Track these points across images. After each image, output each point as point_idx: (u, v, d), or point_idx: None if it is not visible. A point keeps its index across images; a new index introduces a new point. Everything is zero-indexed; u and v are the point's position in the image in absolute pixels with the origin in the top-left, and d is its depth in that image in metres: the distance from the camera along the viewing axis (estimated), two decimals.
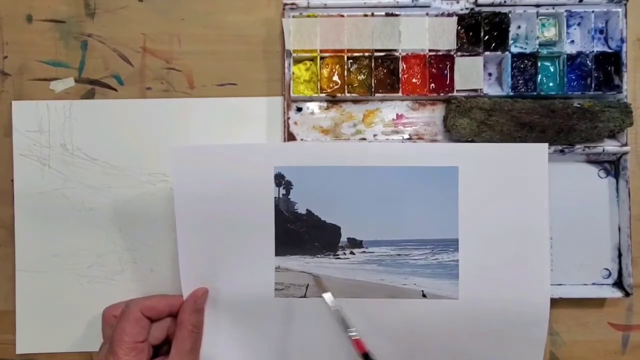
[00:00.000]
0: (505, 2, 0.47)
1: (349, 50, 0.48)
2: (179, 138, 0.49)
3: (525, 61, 0.48)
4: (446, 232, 0.45)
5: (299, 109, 0.49)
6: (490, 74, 0.49)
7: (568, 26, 0.48)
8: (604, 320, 0.49)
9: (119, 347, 0.41)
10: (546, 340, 0.44)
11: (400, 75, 0.48)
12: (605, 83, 0.47)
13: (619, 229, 0.48)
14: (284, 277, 0.45)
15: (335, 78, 0.48)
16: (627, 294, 0.47)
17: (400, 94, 0.48)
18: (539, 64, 0.47)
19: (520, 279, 0.44)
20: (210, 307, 0.45)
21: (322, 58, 0.48)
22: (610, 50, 0.48)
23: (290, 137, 0.48)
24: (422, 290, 0.45)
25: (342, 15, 0.48)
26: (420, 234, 0.45)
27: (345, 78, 0.48)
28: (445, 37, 0.48)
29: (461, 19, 0.48)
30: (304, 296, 0.45)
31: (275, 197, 0.45)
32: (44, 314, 0.49)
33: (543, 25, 0.48)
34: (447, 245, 0.45)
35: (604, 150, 0.47)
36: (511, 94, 0.47)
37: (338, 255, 0.45)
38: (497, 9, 0.48)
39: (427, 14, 0.48)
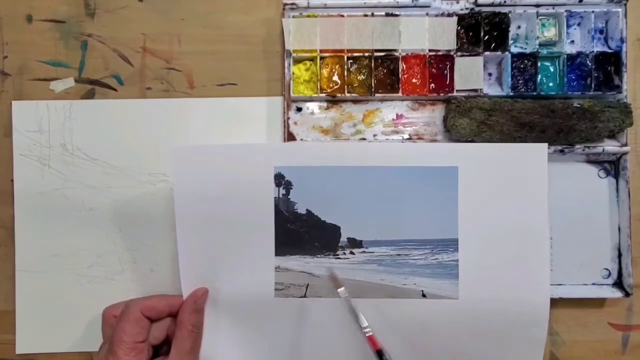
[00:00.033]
0: (505, 2, 0.47)
1: (349, 50, 0.48)
2: (179, 138, 0.49)
3: (525, 61, 0.48)
4: (446, 232, 0.45)
5: (299, 109, 0.49)
6: (490, 74, 0.49)
7: (568, 26, 0.48)
8: (604, 320, 0.49)
9: (119, 347, 0.41)
10: (546, 340, 0.44)
11: (400, 75, 0.48)
12: (605, 83, 0.47)
13: (619, 229, 0.48)
14: (284, 277, 0.45)
15: (335, 78, 0.48)
16: (627, 294, 0.47)
17: (400, 94, 0.48)
18: (539, 64, 0.47)
19: (520, 279, 0.44)
20: (210, 307, 0.45)
21: (322, 58, 0.48)
22: (610, 50, 0.48)
23: (290, 137, 0.49)
24: (422, 290, 0.45)
25: (342, 15, 0.48)
26: (420, 234, 0.45)
27: (345, 78, 0.48)
28: (445, 37, 0.48)
29: (461, 19, 0.48)
30: (304, 296, 0.45)
31: (275, 197, 0.45)
32: (44, 314, 0.49)
33: (543, 25, 0.48)
34: (447, 245, 0.45)
35: (603, 150, 0.47)
36: (511, 94, 0.47)
37: (338, 255, 0.45)
38: (497, 9, 0.48)
39: (427, 14, 0.48)
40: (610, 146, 0.47)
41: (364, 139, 0.49)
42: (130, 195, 0.49)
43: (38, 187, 0.49)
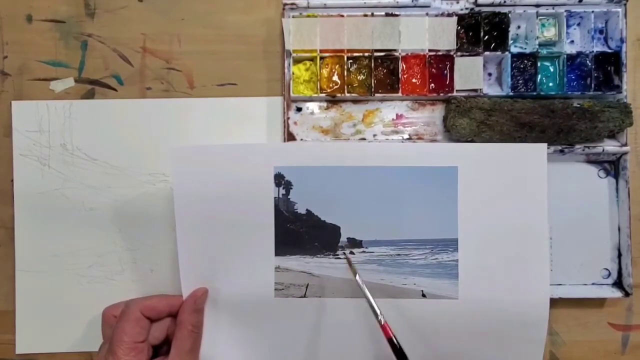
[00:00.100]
0: (505, 2, 0.47)
1: (348, 50, 0.48)
2: (179, 138, 0.49)
3: (525, 61, 0.48)
4: (446, 232, 0.45)
5: (299, 109, 0.49)
6: (490, 74, 0.49)
7: (568, 26, 0.48)
8: (603, 320, 0.49)
9: (119, 347, 0.41)
10: (546, 340, 0.44)
11: (400, 75, 0.48)
12: (605, 83, 0.47)
13: (619, 229, 0.48)
14: (283, 277, 0.45)
15: (335, 78, 0.49)
16: (627, 294, 0.47)
17: (400, 94, 0.48)
18: (539, 64, 0.47)
19: (520, 279, 0.44)
20: (210, 307, 0.45)
21: (322, 58, 0.48)
22: (610, 50, 0.48)
23: (290, 137, 0.49)
24: (422, 290, 0.45)
25: (342, 15, 0.48)
26: (420, 234, 0.45)
27: (345, 78, 0.48)
28: (445, 37, 0.48)
29: (461, 19, 0.48)
30: (304, 296, 0.45)
31: (275, 197, 0.45)
32: (44, 314, 0.49)
33: (543, 25, 0.48)
34: (446, 245, 0.45)
35: (603, 150, 0.47)
36: (511, 94, 0.47)
37: (338, 255, 0.45)
38: (497, 9, 0.48)
39: (427, 14, 0.48)
40: (610, 146, 0.47)
41: (364, 139, 0.49)
42: (130, 195, 0.49)
43: (38, 187, 0.49)
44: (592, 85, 0.47)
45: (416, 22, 0.48)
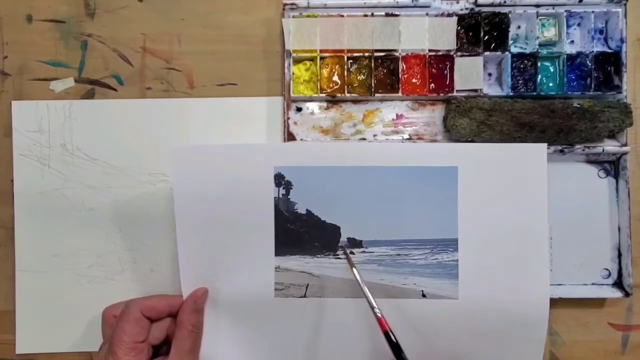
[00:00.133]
0: (505, 2, 0.47)
1: (348, 50, 0.48)
2: (179, 138, 0.49)
3: (525, 61, 0.48)
4: (446, 232, 0.45)
5: (299, 109, 0.49)
6: (490, 74, 0.49)
7: (568, 26, 0.48)
8: (604, 320, 0.49)
9: (119, 347, 0.41)
10: (546, 340, 0.44)
11: (400, 75, 0.48)
12: (605, 83, 0.47)
13: (619, 229, 0.48)
14: (283, 277, 0.45)
15: (335, 78, 0.49)
16: (627, 294, 0.47)
17: (400, 94, 0.48)
18: (539, 64, 0.47)
19: (520, 279, 0.44)
20: (210, 307, 0.45)
21: (322, 58, 0.48)
22: (610, 51, 0.48)
23: (290, 137, 0.49)
24: (422, 290, 0.45)
25: (342, 15, 0.48)
26: (420, 234, 0.45)
27: (345, 78, 0.48)
28: (445, 37, 0.48)
29: (461, 19, 0.48)
30: (304, 296, 0.45)
31: (275, 197, 0.45)
32: (44, 314, 0.49)
33: (543, 25, 0.48)
34: (446, 245, 0.45)
35: (603, 150, 0.47)
36: (511, 94, 0.47)
37: (338, 255, 0.45)
38: (497, 9, 0.48)
39: (427, 14, 0.48)
40: (610, 146, 0.47)
41: (364, 139, 0.49)
42: (130, 195, 0.49)
43: (38, 187, 0.49)
44: (592, 85, 0.47)
45: (416, 22, 0.48)
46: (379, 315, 0.42)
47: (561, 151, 0.47)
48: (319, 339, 0.45)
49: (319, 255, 0.45)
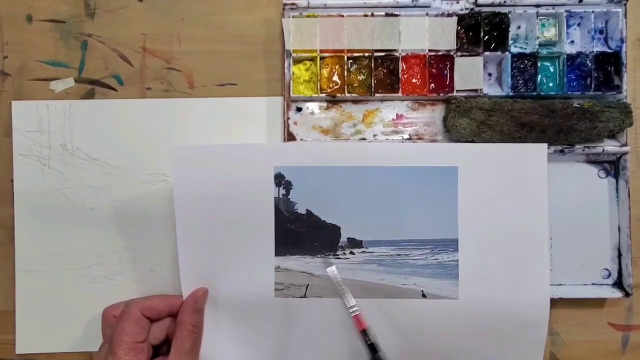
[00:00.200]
0: (505, 2, 0.47)
1: (348, 50, 0.48)
2: (179, 138, 0.49)
3: (525, 61, 0.48)
4: (446, 232, 0.45)
5: (299, 109, 0.49)
6: (490, 74, 0.49)
7: (568, 26, 0.48)
8: (604, 320, 0.49)
9: (119, 347, 0.41)
10: (546, 340, 0.44)
11: (400, 75, 0.48)
12: (605, 83, 0.47)
13: (619, 229, 0.48)
14: (284, 277, 0.45)
15: (335, 78, 0.48)
16: (627, 294, 0.47)
17: (400, 94, 0.48)
18: (539, 64, 0.47)
19: (520, 279, 0.44)
20: (210, 307, 0.45)
21: (322, 58, 0.48)
22: (610, 51, 0.48)
23: (290, 137, 0.49)
24: (422, 290, 0.45)
25: (342, 15, 0.48)
26: (420, 234, 0.45)
27: (345, 78, 0.48)
28: (445, 37, 0.48)
29: (461, 19, 0.48)
30: (304, 296, 0.45)
31: (275, 197, 0.45)
32: (44, 314, 0.49)
33: (543, 25, 0.48)
34: (447, 245, 0.45)
35: (603, 150, 0.47)
36: (511, 94, 0.47)
37: (338, 255, 0.45)
38: (497, 9, 0.48)
39: (427, 14, 0.48)
40: (610, 146, 0.47)
41: (364, 139, 0.49)
42: (130, 195, 0.49)
43: (38, 187, 0.49)
44: (592, 85, 0.47)
45: (416, 22, 0.48)
46: (356, 312, 0.42)
47: (561, 151, 0.47)
48: (318, 340, 0.45)
49: (319, 255, 0.45)
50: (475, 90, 0.48)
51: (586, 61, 0.47)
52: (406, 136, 0.49)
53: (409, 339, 0.45)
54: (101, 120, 0.49)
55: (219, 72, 0.49)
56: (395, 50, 0.48)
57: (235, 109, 0.49)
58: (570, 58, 0.47)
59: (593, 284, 0.48)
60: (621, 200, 0.48)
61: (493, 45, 0.48)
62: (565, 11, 0.47)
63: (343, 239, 0.45)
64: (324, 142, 0.48)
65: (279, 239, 0.45)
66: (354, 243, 0.45)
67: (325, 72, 0.48)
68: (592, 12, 0.47)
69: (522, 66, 0.48)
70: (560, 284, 0.48)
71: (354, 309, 0.43)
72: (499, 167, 0.44)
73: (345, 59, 0.48)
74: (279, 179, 0.45)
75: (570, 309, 0.49)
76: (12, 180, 0.49)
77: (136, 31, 0.50)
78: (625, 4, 0.47)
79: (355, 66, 0.48)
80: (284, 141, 0.48)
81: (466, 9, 0.48)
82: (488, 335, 0.45)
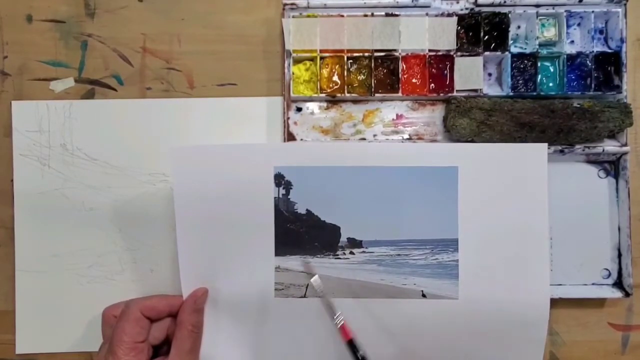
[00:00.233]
0: (505, 2, 0.47)
1: (348, 51, 0.48)
2: (179, 138, 0.49)
3: (525, 61, 0.48)
4: (446, 232, 0.45)
5: (299, 109, 0.49)
6: (490, 74, 0.49)
7: (568, 26, 0.48)
8: (604, 320, 0.49)
9: (119, 347, 0.41)
10: (546, 340, 0.44)
11: (400, 75, 0.48)
12: (605, 83, 0.47)
13: (619, 229, 0.48)
14: (284, 277, 0.45)
15: (335, 78, 0.48)
16: (627, 294, 0.47)
17: (400, 94, 0.48)
18: (539, 64, 0.47)
19: (520, 279, 0.44)
20: (210, 307, 0.45)
21: (322, 58, 0.48)
22: (610, 51, 0.48)
23: (290, 137, 0.49)
24: (422, 290, 0.45)
25: (342, 15, 0.48)
26: (420, 234, 0.45)
27: (345, 78, 0.48)
28: (445, 37, 0.48)
29: (461, 19, 0.48)
30: (304, 296, 0.45)
31: (275, 197, 0.45)
32: (44, 314, 0.49)
33: (543, 25, 0.48)
34: (447, 245, 0.45)
35: (603, 150, 0.47)
36: (511, 94, 0.47)
37: (338, 255, 0.45)
38: (497, 9, 0.48)
39: (427, 14, 0.48)
40: (610, 146, 0.47)
41: (364, 139, 0.49)
42: (130, 195, 0.49)
43: (38, 187, 0.49)
44: (592, 85, 0.47)
45: (416, 22, 0.48)
46: (342, 324, 0.42)
47: (561, 151, 0.47)
48: (318, 339, 0.45)
49: (319, 255, 0.45)
50: (475, 90, 0.48)
51: (586, 61, 0.47)
52: (406, 136, 0.49)
53: (409, 339, 0.45)
54: (101, 120, 0.49)
55: (219, 72, 0.49)
56: (395, 50, 0.48)
57: (235, 109, 0.49)
58: (570, 58, 0.48)
59: (593, 284, 0.48)
60: (621, 200, 0.48)
61: (493, 45, 0.48)
62: (565, 11, 0.47)
63: (343, 239, 0.45)
64: (324, 142, 0.48)
65: (279, 239, 0.45)
66: (354, 243, 0.45)
67: (325, 72, 0.48)
68: (592, 12, 0.47)
69: (522, 66, 0.48)
70: (560, 284, 0.48)
71: (340, 318, 0.43)
72: (499, 167, 0.44)
73: (345, 59, 0.48)
74: (279, 179, 0.45)
75: (570, 309, 0.49)
76: (12, 180, 0.49)
77: (136, 31, 0.50)
78: (625, 4, 0.47)
79: (355, 66, 0.48)
80: (284, 141, 0.48)
81: (466, 9, 0.48)
82: (488, 335, 0.45)
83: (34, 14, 0.50)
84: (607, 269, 0.48)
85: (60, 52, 0.50)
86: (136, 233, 0.49)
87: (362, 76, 0.48)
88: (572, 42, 0.48)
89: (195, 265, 0.45)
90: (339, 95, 0.48)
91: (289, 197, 0.45)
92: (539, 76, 0.48)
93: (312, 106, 0.49)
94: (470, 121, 0.46)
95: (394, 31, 0.48)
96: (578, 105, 0.47)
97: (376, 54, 0.48)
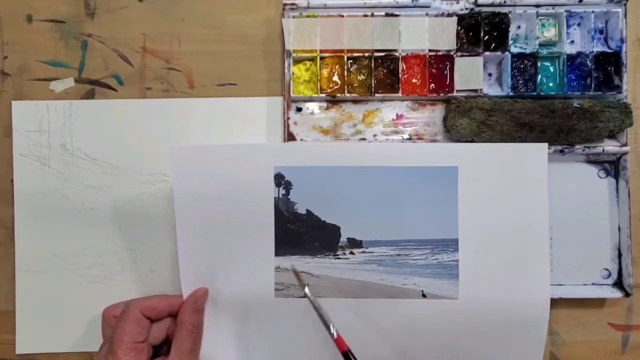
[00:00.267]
0: (505, 2, 0.47)
1: (348, 51, 0.48)
2: (179, 138, 0.49)
3: (525, 61, 0.48)
4: (446, 232, 0.45)
5: (299, 109, 0.49)
6: (490, 74, 0.49)
7: (568, 26, 0.48)
8: (604, 320, 0.49)
9: (119, 347, 0.41)
10: (546, 340, 0.44)
11: (400, 76, 0.48)
12: (605, 83, 0.47)
13: (619, 229, 0.48)
14: (284, 277, 0.45)
15: (335, 78, 0.48)
16: (627, 294, 0.47)
17: (400, 94, 0.48)
18: (539, 64, 0.47)
19: (520, 279, 0.44)
20: (210, 307, 0.45)
21: (322, 58, 0.48)
22: (610, 51, 0.48)
23: (290, 137, 0.49)
24: (422, 290, 0.45)
25: (342, 16, 0.48)
26: (420, 234, 0.45)
27: (345, 78, 0.48)
28: (445, 37, 0.48)
29: (461, 19, 0.48)
30: (304, 296, 0.45)
31: (275, 197, 0.45)
32: (44, 314, 0.49)
33: (543, 25, 0.48)
34: (447, 245, 0.45)
35: (603, 150, 0.47)
36: (511, 94, 0.47)
37: (338, 255, 0.45)
38: (497, 9, 0.48)
39: (427, 14, 0.48)
40: (610, 146, 0.47)
41: (364, 139, 0.49)
42: (130, 195, 0.49)
43: (38, 187, 0.49)
44: (592, 85, 0.47)
45: (416, 22, 0.48)
46: (335, 336, 0.41)
47: (561, 151, 0.47)
48: (318, 339, 0.45)
49: (319, 256, 0.45)
50: (475, 90, 0.48)
51: (586, 61, 0.47)
52: (406, 136, 0.49)
53: (409, 339, 0.45)
54: (101, 120, 0.49)
55: (219, 72, 0.49)
56: (395, 50, 0.48)
57: (235, 109, 0.49)
58: (570, 58, 0.47)
59: (593, 284, 0.48)
60: (621, 200, 0.48)
61: (493, 45, 0.48)
62: (565, 11, 0.47)
63: (343, 239, 0.45)
64: (324, 142, 0.48)
65: (279, 239, 0.45)
66: (354, 243, 0.45)
67: (325, 72, 0.48)
68: (592, 12, 0.47)
69: (522, 66, 0.48)
70: (560, 284, 0.48)
71: (333, 331, 0.42)
72: (499, 167, 0.44)
73: (345, 59, 0.48)
74: (279, 179, 0.45)
75: (570, 309, 0.49)
76: (12, 180, 0.49)
77: (136, 31, 0.50)
78: (625, 4, 0.47)
79: (355, 66, 0.48)
80: (284, 141, 0.48)
81: (466, 9, 0.48)
82: (488, 335, 0.45)
83: (34, 14, 0.50)
84: (607, 269, 0.48)
85: (60, 52, 0.50)
86: (136, 233, 0.49)
87: (362, 76, 0.48)
88: (572, 42, 0.48)
89: (195, 265, 0.45)
90: (339, 95, 0.48)
91: (289, 197, 0.45)
92: (539, 76, 0.48)
93: (312, 106, 0.49)
94: (470, 121, 0.46)
95: (394, 31, 0.48)
96: (578, 105, 0.47)
97: (376, 54, 0.48)
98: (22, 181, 0.49)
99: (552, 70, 0.48)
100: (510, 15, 0.47)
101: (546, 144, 0.44)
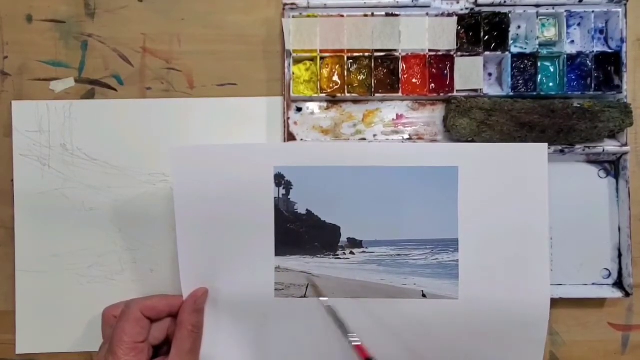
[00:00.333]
0: (505, 2, 0.47)
1: (349, 51, 0.48)
2: (179, 138, 0.49)
3: (525, 61, 0.48)
4: (446, 232, 0.45)
5: (299, 109, 0.49)
6: (490, 74, 0.49)
7: (568, 26, 0.48)
8: (604, 320, 0.49)
9: (119, 347, 0.41)
10: (546, 340, 0.44)
11: (400, 76, 0.48)
12: (605, 83, 0.47)
13: (619, 229, 0.48)
14: (284, 277, 0.45)
15: (335, 78, 0.48)
16: (627, 294, 0.47)
17: (400, 94, 0.48)
18: (539, 64, 0.47)
19: (520, 279, 0.44)
20: (210, 307, 0.45)
21: (322, 58, 0.48)
22: (610, 51, 0.48)
23: (290, 137, 0.48)
24: (422, 290, 0.45)
25: (342, 16, 0.48)
26: (420, 234, 0.45)
27: (345, 78, 0.48)
28: (445, 37, 0.48)
29: (461, 19, 0.48)
30: (304, 296, 0.45)
31: (275, 197, 0.45)
32: (44, 314, 0.49)
33: (543, 25, 0.48)
34: (447, 246, 0.45)
35: (604, 150, 0.47)
36: (511, 94, 0.47)
37: (338, 255, 0.45)
38: (497, 9, 0.48)
39: (427, 14, 0.48)
40: (610, 146, 0.47)
41: (364, 139, 0.49)
42: (130, 195, 0.49)
43: (38, 187, 0.49)
44: (593, 85, 0.47)
45: (416, 22, 0.48)
46: (357, 343, 0.41)
47: (561, 151, 0.47)
48: (318, 339, 0.45)
49: (319, 256, 0.45)
50: (476, 90, 0.48)
51: (586, 61, 0.47)
52: (406, 136, 0.49)
53: (408, 339, 0.45)
54: (101, 120, 0.49)
55: (219, 72, 0.49)
56: (395, 50, 0.48)
57: (235, 109, 0.49)
58: (571, 58, 0.47)
59: (593, 284, 0.48)
60: (621, 200, 0.48)
61: (493, 45, 0.48)
62: (565, 11, 0.47)
63: (343, 239, 0.45)
64: (324, 142, 0.48)
65: (279, 239, 0.45)
66: (354, 243, 0.45)
67: (325, 72, 0.48)
68: (592, 12, 0.47)
69: (522, 66, 0.48)
70: (560, 284, 0.48)
71: (355, 338, 0.43)
72: (499, 167, 0.44)
73: (345, 59, 0.48)
74: (279, 179, 0.45)
75: (570, 309, 0.49)
76: (12, 180, 0.49)
77: (136, 31, 0.50)
78: (625, 4, 0.47)
79: (355, 66, 0.48)
80: (284, 141, 0.48)
81: (466, 9, 0.48)
82: (488, 335, 0.45)
83: (34, 14, 0.50)
84: (607, 269, 0.48)
85: (60, 52, 0.50)
86: (136, 233, 0.49)
87: (362, 76, 0.48)
88: (572, 42, 0.48)
89: (195, 265, 0.45)
90: (339, 95, 0.48)
91: (289, 197, 0.45)
92: (539, 76, 0.48)
93: (312, 106, 0.49)
94: (470, 121, 0.46)
95: (394, 31, 0.48)
96: (578, 105, 0.47)
97: (376, 54, 0.48)
98: (22, 181, 0.49)
99: (552, 70, 0.48)
100: (510, 15, 0.47)
101: (546, 144, 0.44)
